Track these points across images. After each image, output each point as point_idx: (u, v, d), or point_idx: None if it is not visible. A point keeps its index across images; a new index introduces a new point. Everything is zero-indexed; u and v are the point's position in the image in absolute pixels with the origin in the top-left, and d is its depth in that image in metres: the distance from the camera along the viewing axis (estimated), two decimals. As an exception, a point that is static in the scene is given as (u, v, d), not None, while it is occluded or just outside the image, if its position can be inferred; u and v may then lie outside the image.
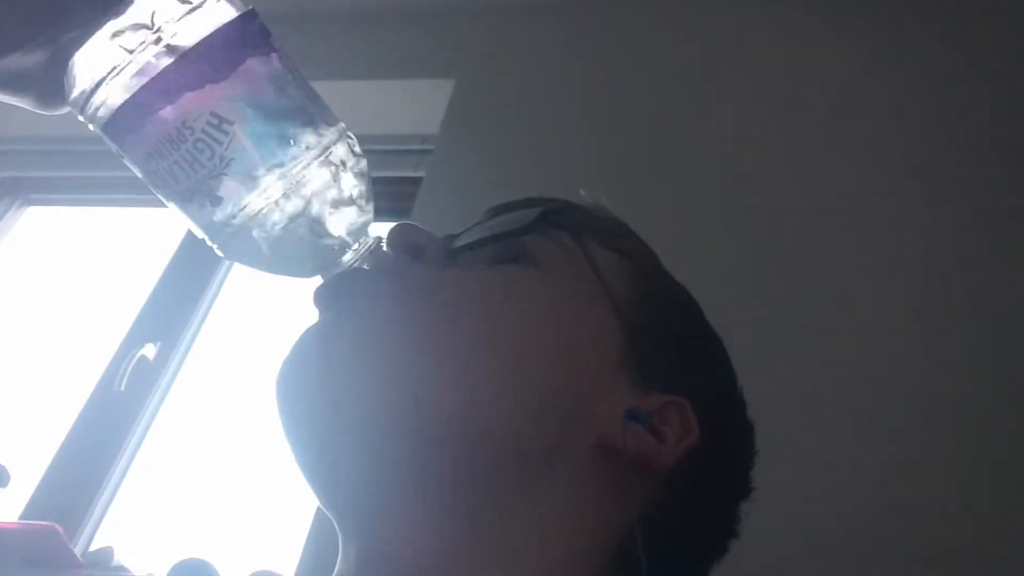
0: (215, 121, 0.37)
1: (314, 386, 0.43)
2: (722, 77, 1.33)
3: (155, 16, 0.37)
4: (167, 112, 0.36)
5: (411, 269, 0.46)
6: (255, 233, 0.39)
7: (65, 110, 0.39)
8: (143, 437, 1.31)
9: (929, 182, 1.12)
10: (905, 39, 1.28)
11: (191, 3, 0.37)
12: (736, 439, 0.50)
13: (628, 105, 1.31)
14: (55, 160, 1.69)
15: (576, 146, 1.27)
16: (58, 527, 1.04)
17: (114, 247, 1.71)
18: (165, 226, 1.53)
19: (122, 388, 1.32)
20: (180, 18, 0.37)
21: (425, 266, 0.47)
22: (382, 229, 0.46)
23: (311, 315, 0.46)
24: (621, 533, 0.43)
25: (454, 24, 1.51)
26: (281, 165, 0.38)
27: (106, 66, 0.37)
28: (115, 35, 0.36)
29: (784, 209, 1.13)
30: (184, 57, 0.36)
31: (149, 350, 1.37)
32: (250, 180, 0.38)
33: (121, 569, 1.06)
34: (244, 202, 0.38)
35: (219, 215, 0.39)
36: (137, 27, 0.36)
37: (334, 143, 0.40)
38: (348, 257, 0.43)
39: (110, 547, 1.08)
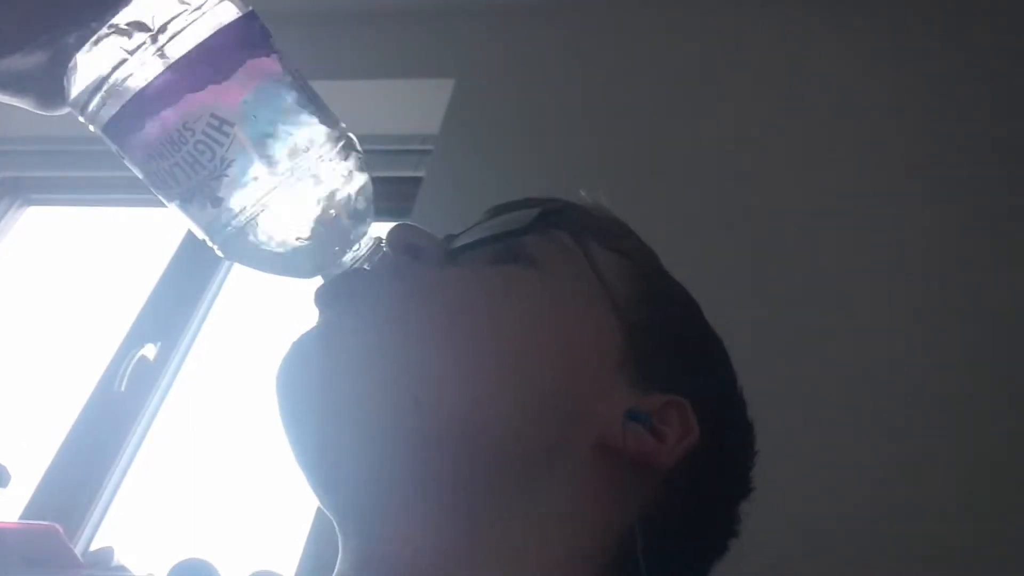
0: (216, 122, 0.37)
1: (315, 386, 0.43)
2: (722, 77, 1.33)
3: (155, 17, 0.37)
4: (168, 113, 0.36)
5: (411, 269, 0.46)
6: (255, 234, 0.39)
7: (65, 110, 0.39)
8: (143, 437, 1.31)
9: (929, 182, 1.12)
10: (905, 39, 1.28)
11: (191, 4, 0.37)
12: (736, 439, 0.50)
13: (628, 105, 1.31)
14: (55, 160, 1.69)
15: (576, 146, 1.27)
16: (58, 527, 1.04)
17: (114, 247, 1.71)
18: (165, 226, 1.53)
19: (122, 388, 1.32)
20: (180, 19, 0.37)
21: (425, 266, 0.47)
22: (382, 229, 0.46)
23: (311, 315, 0.46)
24: (621, 533, 0.43)
25: (454, 24, 1.51)
26: (281, 167, 0.38)
27: (106, 67, 0.37)
28: (115, 36, 0.36)
29: (784, 209, 1.13)
30: (184, 59, 0.36)
31: (149, 350, 1.37)
32: (250, 181, 0.38)
33: (121, 569, 1.06)
34: (244, 203, 0.38)
35: (220, 216, 0.39)
36: (137, 28, 0.36)
37: (334, 144, 0.40)
38: (348, 258, 0.43)
39: (110, 547, 1.08)
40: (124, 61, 0.36)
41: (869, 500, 0.87)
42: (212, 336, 1.44)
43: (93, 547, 1.17)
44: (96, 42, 0.37)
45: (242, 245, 0.40)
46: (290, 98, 0.39)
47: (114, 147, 0.39)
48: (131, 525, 1.24)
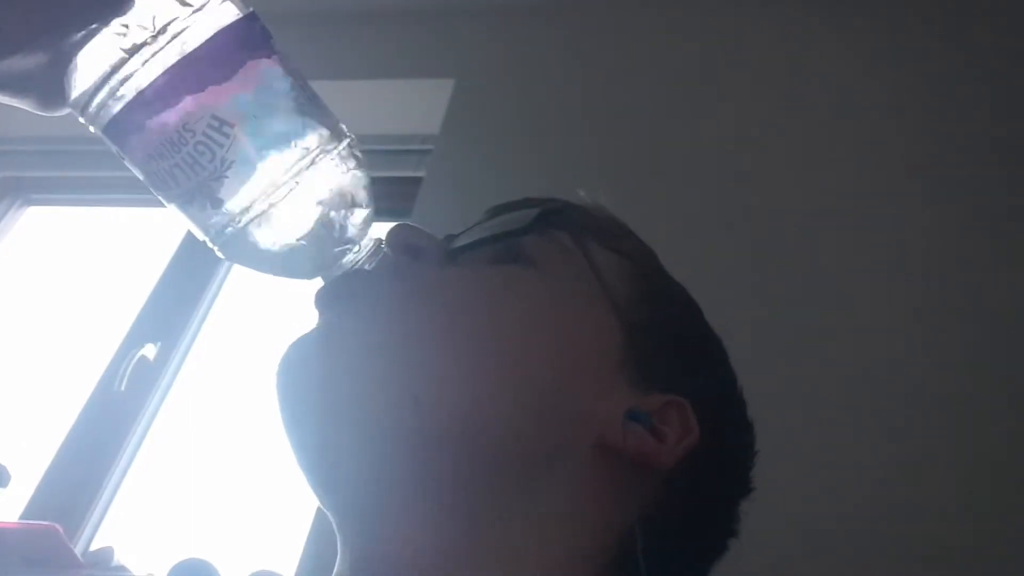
0: (216, 124, 0.37)
1: (315, 387, 0.43)
2: (722, 77, 1.33)
3: (156, 18, 0.37)
4: (168, 114, 0.37)
5: (411, 269, 0.46)
6: (256, 235, 0.39)
7: (66, 111, 0.39)
8: (143, 437, 1.31)
9: (929, 182, 1.12)
10: (905, 39, 1.28)
11: (192, 5, 0.37)
12: (736, 439, 0.50)
13: (628, 105, 1.31)
14: (55, 160, 1.69)
15: (576, 146, 1.27)
16: (58, 527, 1.04)
17: (114, 247, 1.71)
18: (165, 226, 1.53)
19: (122, 388, 1.32)
20: (181, 21, 0.37)
21: (425, 266, 0.47)
22: (382, 229, 0.46)
23: (311, 316, 0.46)
24: (621, 533, 0.43)
25: (454, 24, 1.51)
26: (282, 168, 0.38)
27: (107, 68, 0.37)
28: (116, 37, 0.37)
29: (784, 209, 1.13)
30: (185, 60, 0.36)
31: (149, 350, 1.37)
32: (251, 182, 0.38)
33: (121, 569, 1.06)
34: (245, 204, 0.38)
35: (220, 217, 0.39)
36: (138, 29, 0.36)
37: (335, 145, 0.40)
38: (349, 259, 0.43)
39: (110, 547, 1.08)
40: (124, 62, 0.36)
41: (869, 500, 0.87)
42: (212, 336, 1.44)
43: (93, 547, 1.17)
44: (97, 43, 0.37)
45: (242, 246, 0.40)
46: (290, 99, 0.39)
47: (114, 148, 0.39)
48: (131, 525, 1.24)
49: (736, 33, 1.37)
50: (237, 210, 0.38)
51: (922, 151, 1.15)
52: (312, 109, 0.40)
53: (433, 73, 1.46)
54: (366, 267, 0.43)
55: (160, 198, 0.40)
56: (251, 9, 0.39)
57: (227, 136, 0.37)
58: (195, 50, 0.37)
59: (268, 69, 0.39)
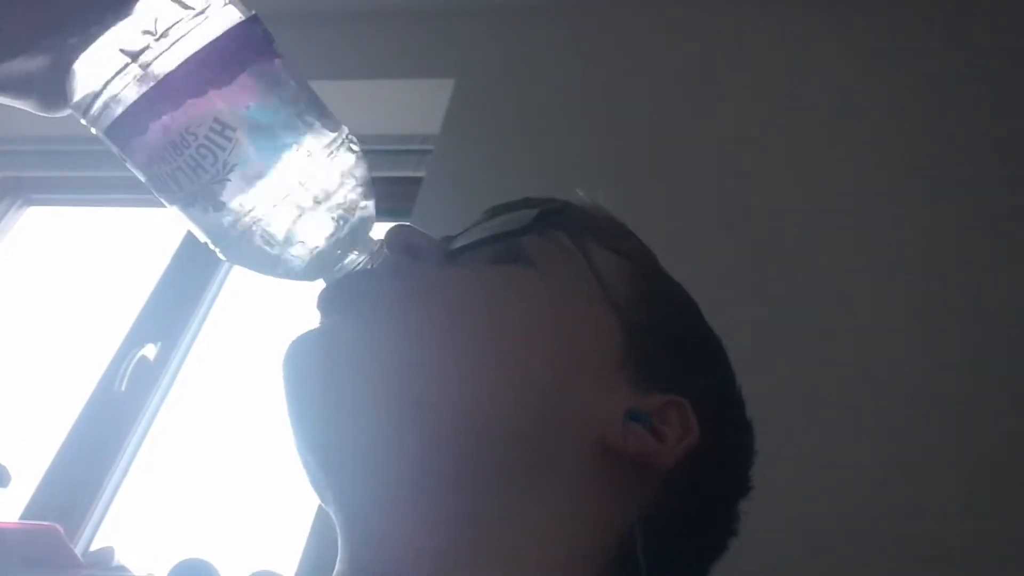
0: (218, 127, 0.37)
1: (316, 388, 0.43)
2: (722, 77, 1.33)
3: (158, 21, 0.37)
4: (170, 118, 0.37)
5: (411, 269, 0.46)
6: (257, 238, 0.39)
7: (67, 113, 0.39)
8: (143, 437, 1.31)
9: (929, 182, 1.12)
10: (905, 39, 1.28)
11: (194, 9, 0.37)
12: (736, 439, 0.50)
13: (628, 105, 1.31)
14: (55, 160, 1.69)
15: (576, 146, 1.27)
16: (58, 527, 1.04)
17: (114, 247, 1.71)
18: (165, 226, 1.53)
19: (122, 388, 1.32)
20: (183, 24, 0.37)
21: (425, 266, 0.47)
22: (382, 229, 0.46)
23: (312, 318, 0.46)
24: (621, 533, 0.43)
25: (454, 24, 1.51)
26: (283, 171, 0.38)
27: (109, 71, 0.37)
28: (119, 40, 0.37)
29: (784, 209, 1.13)
30: (187, 63, 0.36)
31: (149, 350, 1.37)
32: (253, 186, 0.38)
33: (121, 569, 1.06)
34: (247, 207, 0.38)
35: (222, 220, 0.39)
36: (140, 32, 0.36)
37: (336, 148, 0.40)
38: (350, 260, 0.43)
39: (110, 547, 1.08)
40: (127, 65, 0.36)
41: (869, 500, 0.87)
42: (212, 336, 1.44)
43: (93, 547, 1.17)
44: (99, 46, 0.37)
45: (244, 248, 0.40)
46: (292, 103, 0.39)
47: (116, 150, 0.39)
48: (131, 525, 1.24)
49: (736, 33, 1.37)
50: (239, 213, 0.38)
51: (922, 151, 1.15)
52: (314, 112, 0.40)
53: (433, 73, 1.46)
54: (367, 268, 0.44)
55: (162, 200, 0.40)
56: (253, 12, 0.39)
57: (229, 140, 0.37)
58: (197, 53, 0.37)
59: (270, 72, 0.39)
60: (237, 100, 0.37)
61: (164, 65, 0.36)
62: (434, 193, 1.28)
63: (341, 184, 0.40)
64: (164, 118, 0.37)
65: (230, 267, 1.47)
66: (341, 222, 0.41)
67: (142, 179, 0.39)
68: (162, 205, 0.40)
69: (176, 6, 0.37)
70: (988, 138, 1.14)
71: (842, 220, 1.11)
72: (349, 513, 0.44)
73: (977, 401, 0.92)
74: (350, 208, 0.41)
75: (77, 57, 0.37)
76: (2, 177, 1.72)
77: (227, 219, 0.39)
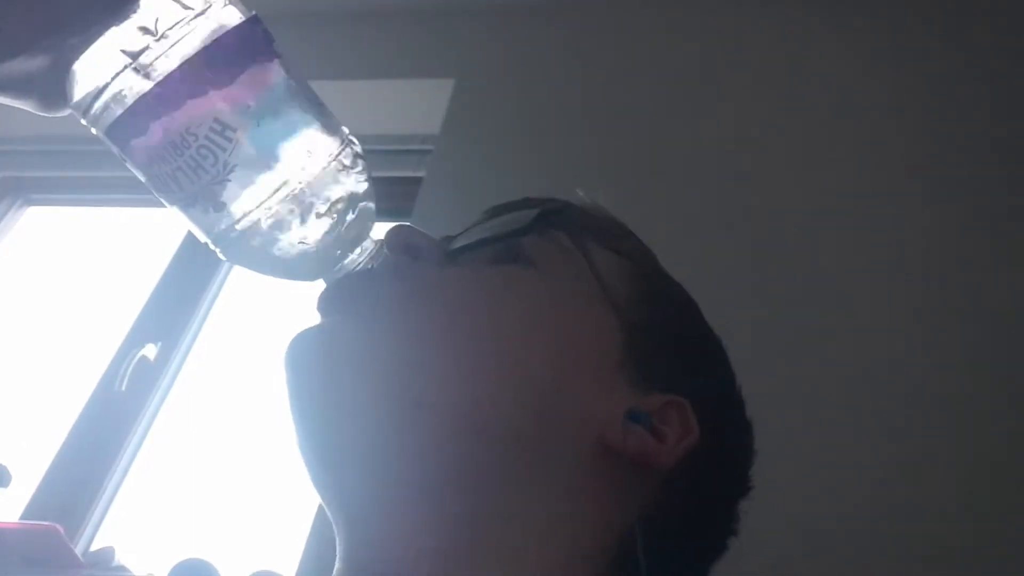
0: (218, 128, 0.37)
1: (317, 388, 0.43)
2: (722, 77, 1.33)
3: (158, 22, 0.37)
4: (170, 118, 0.37)
5: (411, 269, 0.46)
6: (258, 238, 0.39)
7: (67, 113, 0.39)
8: (144, 437, 1.31)
9: (929, 182, 1.12)
10: (905, 39, 1.28)
11: (194, 9, 0.37)
12: (736, 439, 0.50)
13: (628, 105, 1.31)
14: (55, 160, 1.69)
15: (576, 146, 1.27)
16: (59, 527, 1.04)
17: (114, 247, 1.71)
18: (165, 226, 1.53)
19: (123, 388, 1.32)
20: (183, 24, 0.37)
21: (425, 266, 0.47)
22: (382, 229, 0.46)
23: (312, 317, 0.46)
24: (621, 533, 0.43)
25: (454, 24, 1.51)
26: (283, 171, 0.38)
27: (109, 71, 0.37)
28: (118, 40, 0.37)
29: (784, 209, 1.13)
30: (187, 63, 0.36)
31: (150, 350, 1.37)
32: (253, 186, 0.38)
33: (121, 569, 1.06)
34: (247, 208, 0.38)
35: (222, 221, 0.39)
36: (140, 32, 0.37)
37: (336, 148, 0.40)
38: (350, 260, 0.43)
39: (111, 547, 1.08)
40: (127, 66, 0.36)
41: (869, 500, 0.88)
42: (212, 336, 1.44)
43: (93, 547, 1.17)
44: (100, 46, 0.37)
45: (244, 249, 0.40)
46: (292, 103, 0.39)
47: (116, 150, 0.39)
48: (131, 525, 1.24)
49: (736, 33, 1.37)
50: (239, 213, 0.38)
51: (922, 151, 1.15)
52: (314, 112, 0.40)
53: (433, 73, 1.46)
54: (367, 268, 0.44)
55: (162, 200, 0.40)
56: (253, 12, 0.39)
57: (229, 140, 0.37)
58: (197, 54, 0.37)
59: (270, 73, 0.39)
60: (237, 100, 0.37)
61: (164, 65, 0.36)
62: (434, 193, 1.28)
63: (341, 184, 0.40)
64: (164, 118, 0.36)
65: (230, 267, 1.47)
66: (341, 222, 0.41)
67: (142, 179, 0.39)
68: (162, 205, 0.40)
69: (176, 6, 0.37)
70: (988, 138, 1.14)
71: (842, 220, 1.11)
72: (349, 513, 0.44)
73: (977, 401, 0.92)
74: (350, 208, 0.41)
75: (77, 57, 0.37)
76: (2, 177, 1.72)
77: (227, 220, 0.39)
